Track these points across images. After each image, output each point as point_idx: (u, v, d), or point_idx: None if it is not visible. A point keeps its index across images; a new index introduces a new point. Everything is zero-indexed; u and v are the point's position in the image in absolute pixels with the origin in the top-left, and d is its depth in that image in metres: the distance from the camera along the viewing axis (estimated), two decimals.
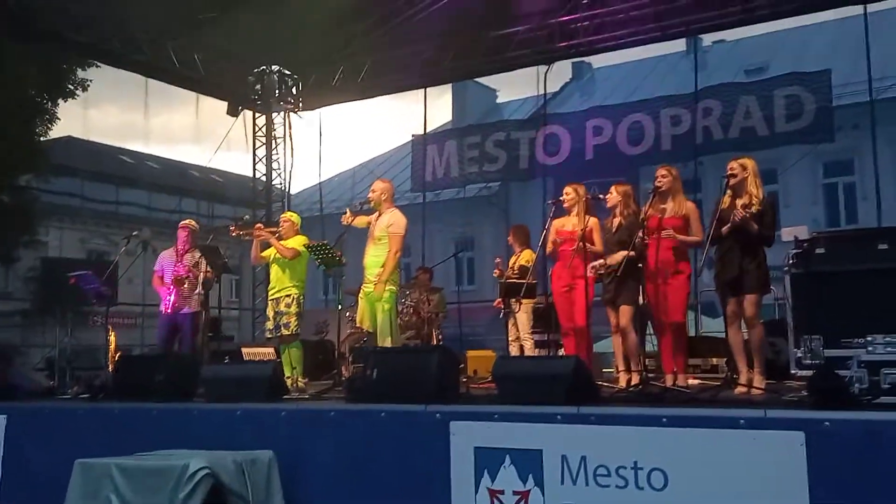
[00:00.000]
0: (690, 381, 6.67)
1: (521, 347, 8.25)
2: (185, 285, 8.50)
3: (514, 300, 8.01)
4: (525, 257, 8.54)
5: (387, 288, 7.13)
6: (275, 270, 7.95)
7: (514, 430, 4.72)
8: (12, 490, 6.56)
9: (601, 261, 6.69)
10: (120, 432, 6.17)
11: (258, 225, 8.48)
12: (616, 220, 6.74)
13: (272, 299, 7.89)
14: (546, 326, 8.44)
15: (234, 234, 8.48)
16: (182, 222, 8.98)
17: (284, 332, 7.70)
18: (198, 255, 8.66)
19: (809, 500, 3.90)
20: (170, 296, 8.52)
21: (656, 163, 8.10)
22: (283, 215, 8.40)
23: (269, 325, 7.88)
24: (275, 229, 8.14)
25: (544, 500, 4.54)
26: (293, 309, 7.71)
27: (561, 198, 7.11)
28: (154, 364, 7.15)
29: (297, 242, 7.84)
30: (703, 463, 4.17)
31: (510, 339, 8.36)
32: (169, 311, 8.52)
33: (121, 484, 5.00)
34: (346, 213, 7.53)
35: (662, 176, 6.39)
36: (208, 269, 8.67)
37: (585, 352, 6.84)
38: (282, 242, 7.84)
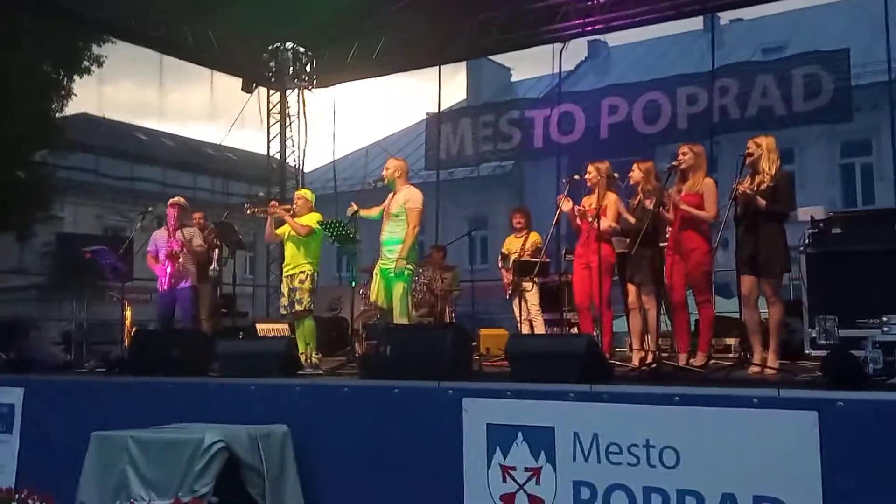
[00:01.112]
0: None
1: (532, 326, 8.27)
2: (181, 259, 8.58)
3: (526, 280, 8.02)
4: (532, 239, 8.55)
5: (406, 266, 7.13)
6: (289, 247, 7.99)
7: (526, 408, 4.73)
8: (30, 462, 6.65)
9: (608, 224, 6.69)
10: (136, 406, 6.24)
11: (272, 202, 8.50)
12: (638, 198, 6.70)
13: (287, 276, 7.93)
14: (558, 306, 8.45)
15: (248, 213, 8.54)
16: (171, 199, 9.05)
17: (298, 307, 7.74)
18: (188, 230, 8.75)
19: (822, 479, 3.89)
20: (165, 272, 8.59)
21: (672, 142, 8.09)
22: (297, 192, 8.42)
23: (284, 301, 7.92)
24: (289, 207, 8.17)
25: (556, 477, 4.56)
26: (307, 285, 7.74)
27: (583, 175, 7.07)
28: (169, 339, 7.22)
29: (312, 220, 7.87)
30: (716, 442, 4.17)
31: (522, 317, 8.38)
32: (166, 287, 8.59)
33: (137, 456, 5.06)
34: (351, 205, 7.51)
35: (683, 154, 6.34)
36: (201, 242, 8.78)
37: (606, 330, 6.81)
38: (296, 220, 7.86)
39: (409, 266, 7.19)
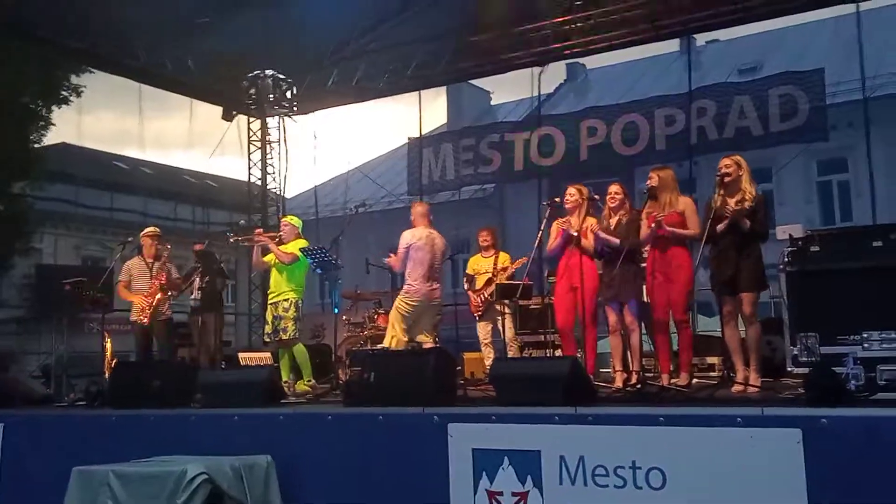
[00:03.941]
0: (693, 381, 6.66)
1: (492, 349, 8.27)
2: (170, 293, 8.60)
3: (500, 304, 7.99)
4: (503, 259, 8.50)
5: None
6: (274, 275, 7.97)
7: (511, 432, 4.72)
8: (10, 498, 6.54)
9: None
10: (117, 439, 6.16)
11: (258, 230, 8.49)
12: (615, 219, 6.72)
13: (271, 303, 7.91)
14: (540, 327, 8.43)
15: (231, 241, 8.54)
16: (147, 230, 9.04)
17: (283, 336, 7.70)
18: (163, 260, 8.80)
19: (807, 496, 3.90)
20: (147, 304, 8.54)
21: (651, 163, 8.11)
22: (283, 219, 8.40)
23: (268, 328, 7.88)
24: (274, 234, 8.15)
25: (543, 501, 4.54)
26: (290, 313, 7.70)
27: (559, 198, 7.08)
28: (150, 370, 7.14)
29: (297, 246, 7.84)
30: (701, 461, 4.17)
31: (487, 340, 8.33)
32: (146, 320, 8.53)
33: (118, 491, 4.99)
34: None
35: (650, 178, 6.40)
36: (179, 275, 8.84)
37: (589, 351, 6.81)
38: (282, 247, 7.84)
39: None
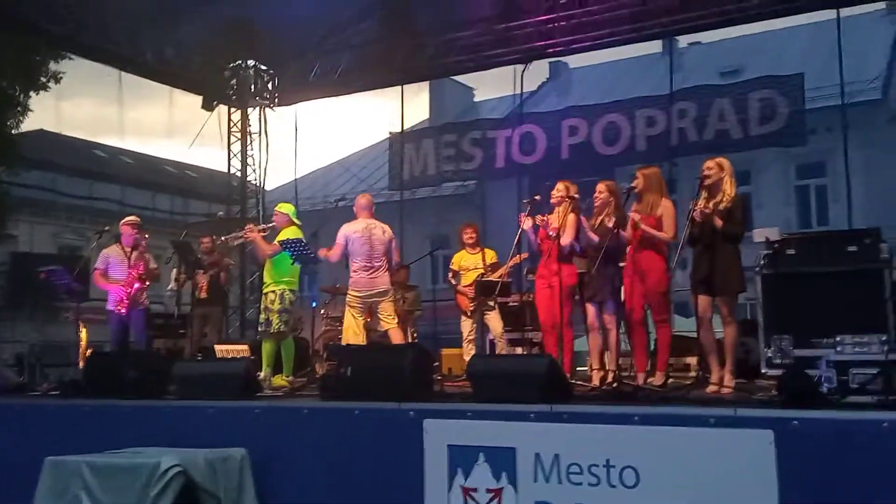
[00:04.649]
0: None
1: (480, 346, 8.29)
2: (147, 283, 8.56)
3: (493, 300, 8.04)
4: (490, 256, 8.53)
5: None
6: (265, 266, 7.98)
7: (487, 428, 4.73)
8: None
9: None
10: (90, 430, 6.11)
11: (249, 225, 8.48)
12: (598, 219, 6.74)
13: (263, 294, 7.92)
14: (519, 325, 8.46)
15: (224, 241, 8.61)
16: (127, 219, 8.98)
17: (268, 329, 7.69)
18: (142, 250, 8.77)
19: (779, 497, 3.95)
20: (125, 294, 8.49)
21: (631, 163, 8.15)
22: (276, 207, 8.34)
23: (262, 317, 7.89)
24: (265, 227, 8.13)
25: (517, 498, 4.56)
26: (276, 306, 7.69)
27: (539, 196, 7.11)
28: (125, 361, 7.09)
29: (286, 235, 7.81)
30: (675, 461, 4.20)
31: (470, 336, 8.37)
32: (123, 310, 8.48)
33: (91, 482, 4.96)
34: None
35: (635, 178, 6.44)
36: (156, 266, 8.83)
37: (567, 350, 6.84)
38: (281, 234, 7.81)
39: None
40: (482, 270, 8.45)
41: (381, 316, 7.78)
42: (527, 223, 6.99)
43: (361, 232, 7.73)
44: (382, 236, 7.79)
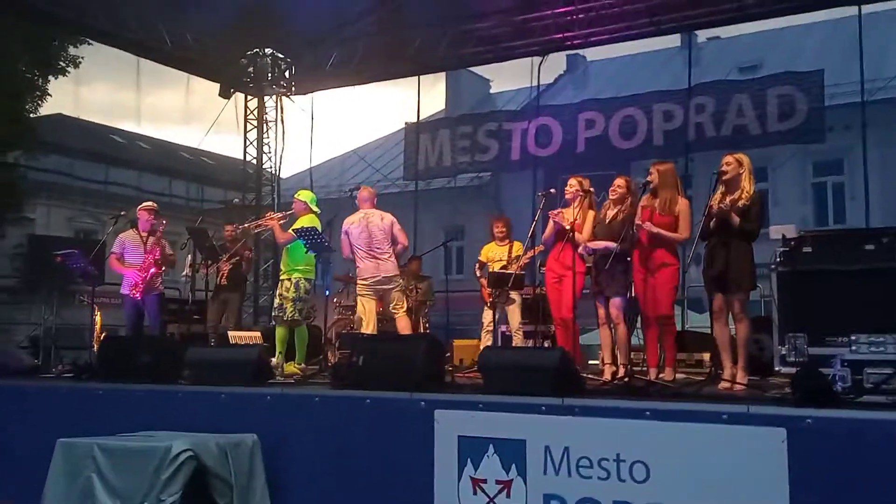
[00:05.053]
0: (677, 376, 6.69)
1: (508, 338, 8.28)
2: (164, 268, 8.62)
3: (515, 293, 8.05)
4: (517, 248, 8.55)
5: None
6: (282, 254, 8.05)
7: (498, 420, 4.73)
8: None
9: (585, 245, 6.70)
10: (103, 413, 6.15)
11: (269, 213, 8.54)
12: (613, 213, 6.71)
13: (280, 281, 7.98)
14: (533, 318, 8.45)
15: (252, 229, 8.73)
16: (144, 204, 9.03)
17: (282, 316, 7.74)
18: (158, 235, 8.82)
19: (790, 496, 3.92)
20: (140, 279, 8.53)
21: (648, 157, 8.09)
22: (295, 195, 8.37)
23: (276, 302, 7.95)
24: (282, 214, 8.16)
25: (527, 490, 4.56)
26: (290, 293, 7.75)
27: (554, 189, 7.08)
28: (139, 345, 7.13)
29: (305, 223, 7.84)
30: (685, 457, 4.19)
31: (490, 328, 8.38)
32: (138, 295, 8.53)
33: (103, 464, 4.99)
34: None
35: (650, 173, 6.39)
36: (172, 252, 8.89)
37: (572, 343, 6.84)
38: (297, 222, 7.85)
39: None
40: (506, 262, 8.47)
41: (394, 303, 7.85)
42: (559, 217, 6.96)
43: (358, 222, 7.80)
44: (381, 223, 7.81)
